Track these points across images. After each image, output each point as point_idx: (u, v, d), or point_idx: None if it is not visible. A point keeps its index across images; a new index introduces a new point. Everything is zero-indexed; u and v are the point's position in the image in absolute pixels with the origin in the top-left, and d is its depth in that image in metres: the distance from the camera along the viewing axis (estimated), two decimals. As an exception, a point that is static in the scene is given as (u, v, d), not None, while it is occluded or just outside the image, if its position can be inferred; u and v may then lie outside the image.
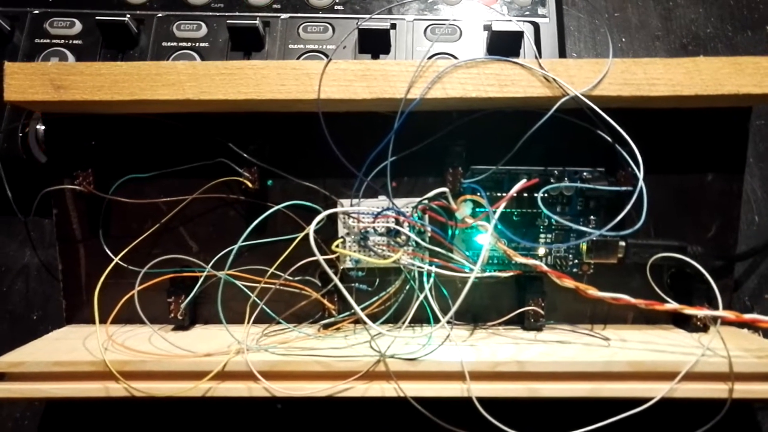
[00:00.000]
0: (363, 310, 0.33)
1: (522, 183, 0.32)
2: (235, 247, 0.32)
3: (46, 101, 0.31)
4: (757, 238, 0.38)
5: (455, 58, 0.40)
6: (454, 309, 0.30)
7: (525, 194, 0.33)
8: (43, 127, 0.34)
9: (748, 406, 0.36)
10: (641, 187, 0.30)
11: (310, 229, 0.30)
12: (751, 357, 0.29)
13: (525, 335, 0.34)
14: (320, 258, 0.30)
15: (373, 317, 0.34)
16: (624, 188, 0.32)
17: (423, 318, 0.33)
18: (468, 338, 0.33)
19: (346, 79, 0.31)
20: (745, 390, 0.29)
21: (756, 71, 0.30)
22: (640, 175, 0.30)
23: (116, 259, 0.34)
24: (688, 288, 0.34)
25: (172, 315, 0.34)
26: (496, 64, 0.31)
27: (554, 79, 0.31)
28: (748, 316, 0.28)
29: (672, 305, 0.30)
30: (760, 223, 0.40)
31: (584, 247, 0.34)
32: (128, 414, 0.37)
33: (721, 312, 0.29)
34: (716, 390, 0.29)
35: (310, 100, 0.31)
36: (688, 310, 0.30)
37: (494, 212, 0.31)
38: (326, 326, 0.34)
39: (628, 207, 0.30)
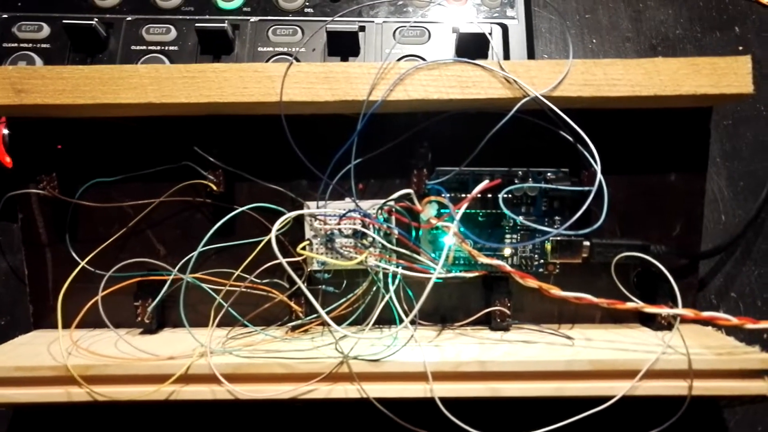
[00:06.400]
0: (330, 312, 0.33)
1: (484, 184, 0.32)
2: (198, 249, 0.32)
3: (7, 105, 0.31)
4: (724, 237, 0.38)
5: (423, 60, 0.40)
6: (416, 309, 0.30)
7: (490, 195, 0.33)
8: (7, 131, 0.34)
9: (713, 403, 0.36)
10: (600, 186, 0.30)
11: (273, 230, 0.30)
12: (710, 354, 0.29)
13: (491, 335, 0.34)
14: (283, 261, 0.30)
15: (341, 319, 0.34)
16: (586, 188, 0.32)
17: (390, 319, 0.33)
18: (434, 339, 0.33)
19: (309, 82, 0.31)
20: (704, 387, 0.29)
21: (713, 72, 0.30)
22: (598, 173, 0.30)
23: (83, 263, 0.34)
24: (653, 287, 0.34)
25: (140, 319, 0.34)
26: (457, 65, 0.31)
27: (515, 80, 0.31)
28: (706, 314, 0.28)
29: (633, 304, 0.30)
30: (727, 222, 0.40)
31: (549, 247, 0.34)
32: (101, 420, 0.37)
33: (680, 310, 0.29)
34: (676, 387, 0.29)
35: (272, 103, 0.31)
36: (649, 309, 0.30)
37: (456, 213, 0.31)
38: (294, 328, 0.34)
39: (586, 205, 0.30)
